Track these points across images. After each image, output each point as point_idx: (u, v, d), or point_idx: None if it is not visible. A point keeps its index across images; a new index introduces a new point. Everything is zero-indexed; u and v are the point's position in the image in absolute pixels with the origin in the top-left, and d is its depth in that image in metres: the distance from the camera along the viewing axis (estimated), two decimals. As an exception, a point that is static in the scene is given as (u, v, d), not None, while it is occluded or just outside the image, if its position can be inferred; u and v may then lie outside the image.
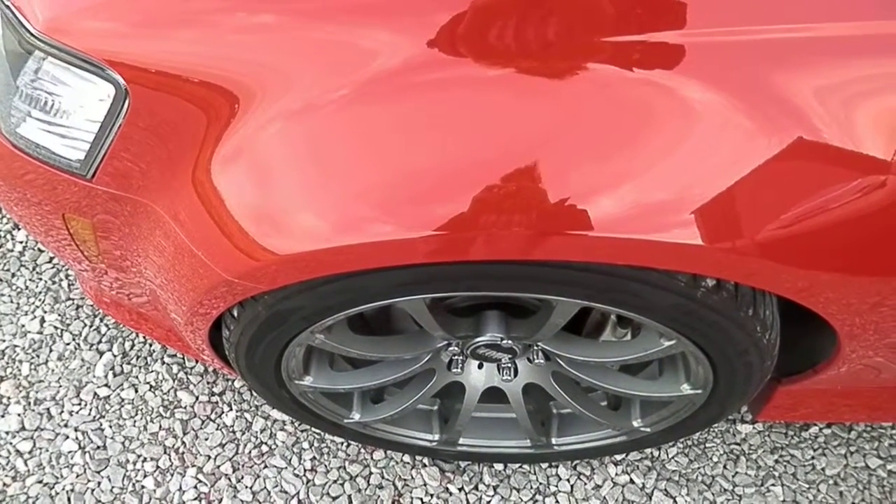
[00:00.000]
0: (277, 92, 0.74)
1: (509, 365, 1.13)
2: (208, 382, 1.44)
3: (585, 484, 1.35)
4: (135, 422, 1.39)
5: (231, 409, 1.41)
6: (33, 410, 1.40)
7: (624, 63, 0.68)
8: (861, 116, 0.69)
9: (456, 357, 1.11)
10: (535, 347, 1.07)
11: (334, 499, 1.33)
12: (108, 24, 0.78)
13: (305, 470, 1.36)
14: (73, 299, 1.54)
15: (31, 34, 0.79)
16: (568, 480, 1.35)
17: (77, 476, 1.33)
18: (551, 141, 0.70)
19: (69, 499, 1.30)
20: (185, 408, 1.41)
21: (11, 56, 0.84)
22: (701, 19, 0.69)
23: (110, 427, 1.39)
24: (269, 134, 0.75)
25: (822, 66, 0.69)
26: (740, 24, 0.69)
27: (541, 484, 1.35)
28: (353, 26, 0.74)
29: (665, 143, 0.70)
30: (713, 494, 1.34)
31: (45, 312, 1.52)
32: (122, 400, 1.42)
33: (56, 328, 1.50)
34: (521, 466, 1.37)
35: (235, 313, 0.94)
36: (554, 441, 1.27)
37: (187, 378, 1.45)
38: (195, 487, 1.33)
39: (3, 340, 1.48)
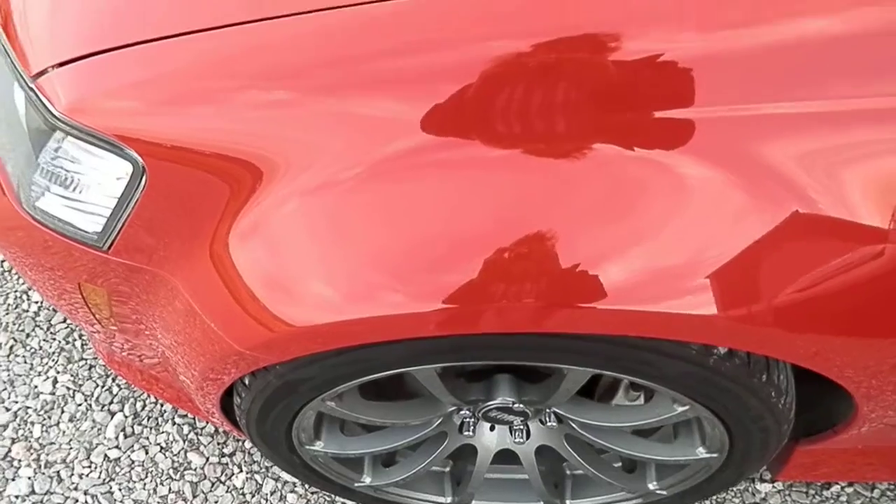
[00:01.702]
0: (294, 169, 0.76)
1: (521, 427, 1.12)
2: (219, 443, 1.43)
3: (602, 547, 1.32)
4: (144, 484, 1.38)
5: (241, 471, 1.40)
6: (43, 473, 1.39)
7: (627, 142, 0.70)
8: (857, 187, 0.70)
9: (468, 420, 1.10)
10: (548, 410, 1.06)
11: (345, 564, 1.30)
12: (126, 104, 0.80)
13: (316, 534, 1.33)
14: (86, 359, 1.55)
15: (54, 115, 0.81)
16: (584, 543, 1.32)
17: (86, 541, 1.32)
18: (560, 218, 0.71)
19: (77, 565, 1.29)
20: (195, 469, 1.40)
21: (34, 133, 0.87)
22: (701, 97, 0.71)
23: (120, 490, 1.38)
24: (287, 210, 0.77)
25: (816, 139, 0.70)
26: (739, 101, 0.70)
27: (556, 547, 1.32)
28: (366, 103, 0.76)
29: (668, 220, 0.71)
30: (734, 557, 1.31)
31: (58, 373, 1.53)
32: (133, 462, 1.41)
33: (68, 388, 1.51)
34: (535, 529, 1.34)
35: (247, 382, 0.95)
36: (568, 503, 1.24)
37: (198, 439, 1.44)
38: (204, 553, 1.31)
39: (16, 402, 1.48)
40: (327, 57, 0.77)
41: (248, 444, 1.43)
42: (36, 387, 1.50)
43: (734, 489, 1.37)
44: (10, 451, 1.41)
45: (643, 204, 0.71)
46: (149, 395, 1.49)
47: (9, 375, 1.52)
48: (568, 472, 1.26)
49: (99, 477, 1.39)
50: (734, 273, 0.71)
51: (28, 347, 1.57)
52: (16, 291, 1.66)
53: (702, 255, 0.71)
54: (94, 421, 1.46)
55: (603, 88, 0.72)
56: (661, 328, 0.74)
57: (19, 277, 1.68)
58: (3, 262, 1.69)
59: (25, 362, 1.54)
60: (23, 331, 1.59)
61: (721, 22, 0.71)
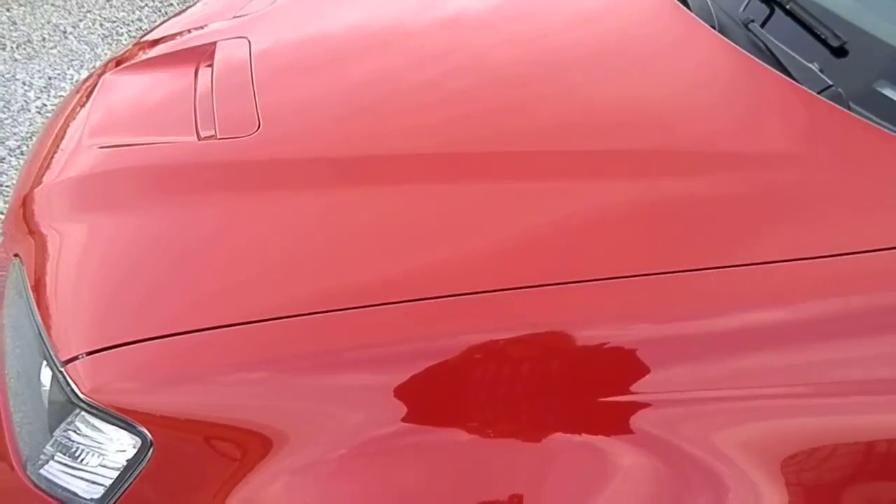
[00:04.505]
0: (286, 449, 0.84)
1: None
2: None
3: None
4: None
5: None
6: None
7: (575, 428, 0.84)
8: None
9: None
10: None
11: None
12: (143, 387, 0.91)
13: None
14: None
15: (78, 396, 0.91)
16: None
17: None
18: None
19: None
20: None
21: (54, 408, 0.95)
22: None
23: None
24: (276, 487, 0.83)
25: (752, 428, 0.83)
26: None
27: None
28: (349, 387, 0.88)
29: None
30: None
31: None
32: None
33: None
34: None
35: None
36: None
37: None
38: None
39: None
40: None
41: None
42: None
43: None
44: None
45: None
46: None
47: None
48: None
49: None
50: None
51: None
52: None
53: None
54: None
55: (558, 377, 0.85)
56: None
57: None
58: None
59: None
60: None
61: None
